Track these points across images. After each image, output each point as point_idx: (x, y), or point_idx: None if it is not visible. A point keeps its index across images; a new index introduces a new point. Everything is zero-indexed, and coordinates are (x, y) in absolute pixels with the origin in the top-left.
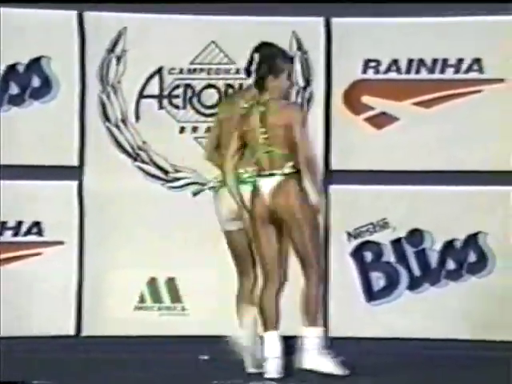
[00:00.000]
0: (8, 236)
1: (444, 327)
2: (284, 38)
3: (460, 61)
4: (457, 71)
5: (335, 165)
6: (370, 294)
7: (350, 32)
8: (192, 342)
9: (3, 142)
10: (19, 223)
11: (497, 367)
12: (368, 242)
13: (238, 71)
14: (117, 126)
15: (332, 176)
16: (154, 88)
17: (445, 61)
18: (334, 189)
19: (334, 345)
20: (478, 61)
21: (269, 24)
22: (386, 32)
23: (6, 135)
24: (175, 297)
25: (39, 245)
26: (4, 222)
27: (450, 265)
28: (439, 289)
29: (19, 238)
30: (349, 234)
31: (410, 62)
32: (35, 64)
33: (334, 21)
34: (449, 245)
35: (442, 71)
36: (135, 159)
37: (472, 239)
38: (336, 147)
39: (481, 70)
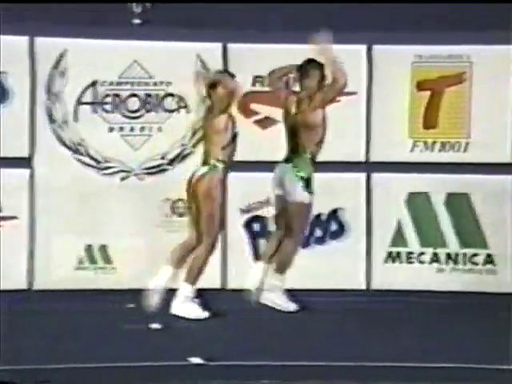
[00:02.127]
0: None
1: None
2: (190, 60)
3: None
4: None
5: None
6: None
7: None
8: (120, 294)
9: None
10: None
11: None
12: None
13: (155, 84)
14: (60, 127)
15: None
16: (89, 96)
17: None
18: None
19: None
20: None
21: (177, 48)
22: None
23: None
24: (107, 259)
25: None
26: None
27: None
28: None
29: None
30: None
31: None
32: None
33: (231, 46)
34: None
35: None
36: (75, 152)
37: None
38: None
39: None
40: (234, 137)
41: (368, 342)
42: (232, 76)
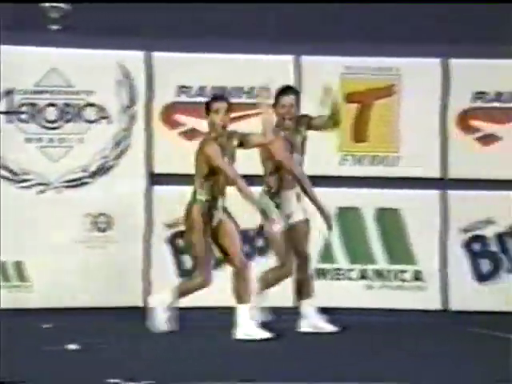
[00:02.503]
0: None
1: None
2: (111, 67)
3: None
4: None
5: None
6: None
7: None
8: (37, 313)
9: None
10: None
11: None
12: None
13: (75, 93)
14: None
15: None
16: (3, 106)
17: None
18: (157, 189)
19: None
20: None
21: (99, 55)
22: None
23: None
24: (22, 276)
25: None
26: None
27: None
28: None
29: None
30: None
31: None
32: None
33: (155, 55)
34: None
35: None
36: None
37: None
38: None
39: None
40: None
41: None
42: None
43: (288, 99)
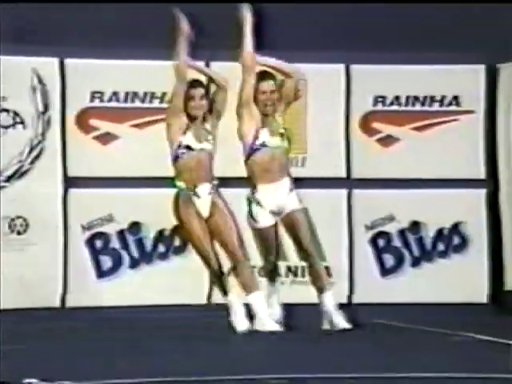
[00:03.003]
0: None
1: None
2: (25, 74)
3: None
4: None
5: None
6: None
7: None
8: None
9: None
10: None
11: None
12: None
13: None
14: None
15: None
16: None
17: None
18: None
19: None
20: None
21: (13, 62)
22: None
23: None
24: None
25: None
26: None
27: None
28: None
29: None
30: None
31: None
32: None
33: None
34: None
35: None
36: None
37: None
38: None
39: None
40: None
41: None
42: None
43: (267, 85)
